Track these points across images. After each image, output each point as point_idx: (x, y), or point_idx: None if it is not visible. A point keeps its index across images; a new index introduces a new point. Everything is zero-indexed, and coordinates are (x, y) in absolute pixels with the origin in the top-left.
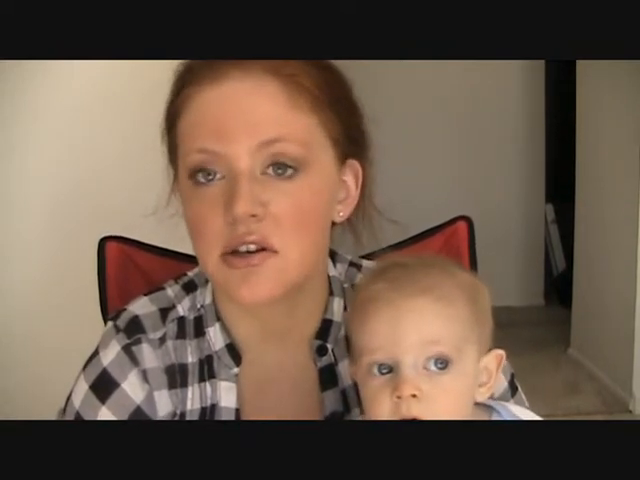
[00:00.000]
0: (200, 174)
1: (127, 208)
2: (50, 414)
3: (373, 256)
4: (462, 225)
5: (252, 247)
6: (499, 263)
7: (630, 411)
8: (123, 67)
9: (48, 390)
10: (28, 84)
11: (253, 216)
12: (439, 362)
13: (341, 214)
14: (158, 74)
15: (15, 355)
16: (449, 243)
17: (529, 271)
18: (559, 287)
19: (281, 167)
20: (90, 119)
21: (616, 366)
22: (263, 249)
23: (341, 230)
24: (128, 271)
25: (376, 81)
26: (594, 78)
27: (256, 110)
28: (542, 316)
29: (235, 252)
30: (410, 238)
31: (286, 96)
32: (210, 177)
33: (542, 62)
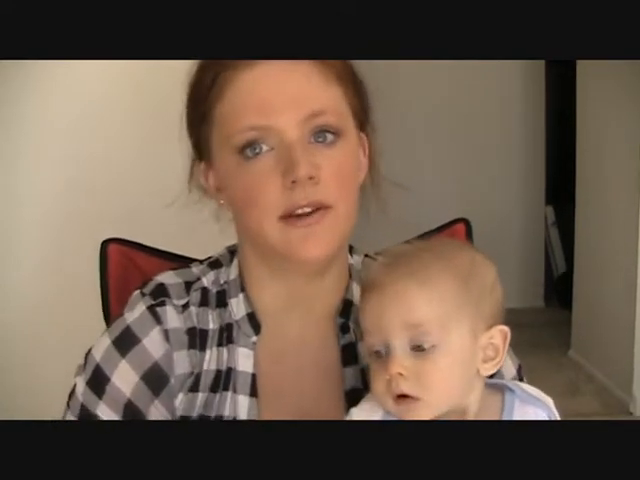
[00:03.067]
0: (248, 149)
1: (130, 209)
2: (51, 414)
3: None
4: (460, 227)
5: (307, 209)
6: (499, 265)
7: (631, 413)
8: (127, 66)
9: (49, 390)
10: (31, 85)
11: (311, 178)
12: (424, 342)
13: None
14: (160, 73)
15: (16, 356)
16: None
17: (529, 273)
18: (559, 289)
19: (322, 135)
20: (93, 120)
21: (616, 368)
22: (317, 209)
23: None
24: (130, 273)
25: (376, 81)
26: (595, 79)
27: (296, 85)
28: (542, 318)
29: (292, 215)
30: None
31: (318, 72)
32: (257, 150)
33: (542, 63)
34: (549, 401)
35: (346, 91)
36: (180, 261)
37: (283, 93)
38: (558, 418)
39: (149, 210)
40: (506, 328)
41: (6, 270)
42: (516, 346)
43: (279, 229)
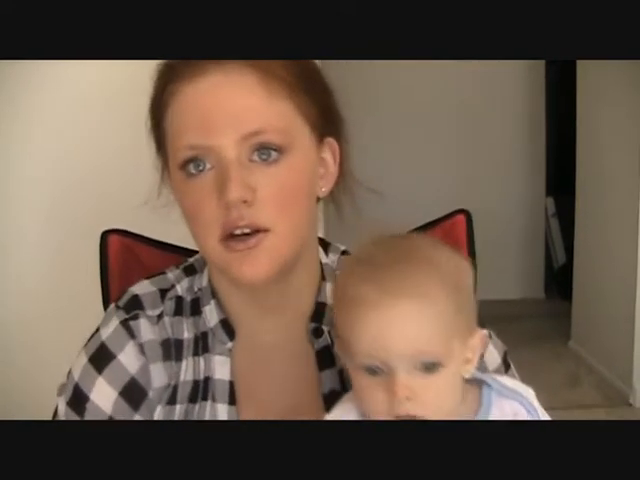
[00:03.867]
0: (191, 165)
1: (126, 204)
2: (48, 413)
3: None
4: (460, 218)
5: (247, 230)
6: (500, 256)
7: (630, 404)
8: (122, 65)
9: (47, 388)
10: (28, 82)
11: (244, 202)
12: (428, 361)
13: (323, 189)
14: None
15: (15, 354)
16: (448, 236)
17: (530, 264)
18: (559, 280)
19: (265, 152)
20: (89, 117)
21: (616, 359)
22: (256, 231)
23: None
24: (130, 264)
25: (377, 80)
26: (595, 72)
27: (237, 102)
28: (542, 309)
29: (232, 235)
30: (409, 232)
31: (264, 86)
32: (200, 168)
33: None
34: (530, 393)
35: (299, 103)
36: (180, 252)
37: (223, 110)
38: (539, 411)
39: (146, 206)
40: (485, 333)
41: (3, 268)
42: (517, 337)
43: (219, 251)
